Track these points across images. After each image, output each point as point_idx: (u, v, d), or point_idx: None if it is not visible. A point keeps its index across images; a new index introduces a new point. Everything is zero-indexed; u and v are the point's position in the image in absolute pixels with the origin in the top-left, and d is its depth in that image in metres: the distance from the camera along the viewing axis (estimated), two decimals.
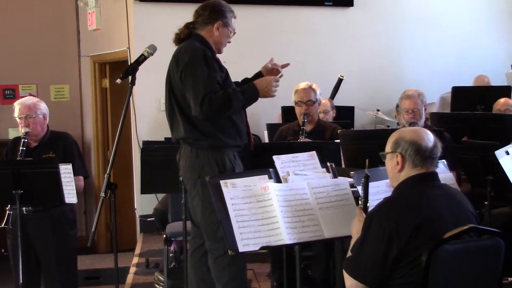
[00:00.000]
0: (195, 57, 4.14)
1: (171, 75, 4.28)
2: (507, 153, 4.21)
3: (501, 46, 9.30)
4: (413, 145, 3.10)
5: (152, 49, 4.24)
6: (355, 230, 3.15)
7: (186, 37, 4.32)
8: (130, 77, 4.16)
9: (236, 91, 4.20)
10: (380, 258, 2.89)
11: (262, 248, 3.41)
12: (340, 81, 8.12)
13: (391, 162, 3.16)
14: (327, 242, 4.70)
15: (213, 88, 4.09)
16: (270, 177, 3.66)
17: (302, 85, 5.84)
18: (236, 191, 3.50)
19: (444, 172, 3.82)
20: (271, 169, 3.74)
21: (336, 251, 4.46)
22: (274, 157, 3.84)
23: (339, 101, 7.93)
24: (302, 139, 5.55)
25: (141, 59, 4.20)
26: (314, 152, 3.95)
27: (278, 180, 3.71)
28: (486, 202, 4.90)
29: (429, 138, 3.14)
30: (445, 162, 3.93)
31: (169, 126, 4.42)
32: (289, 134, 5.86)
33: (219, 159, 4.19)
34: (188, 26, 4.36)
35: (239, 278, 4.28)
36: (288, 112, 6.77)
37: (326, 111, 6.59)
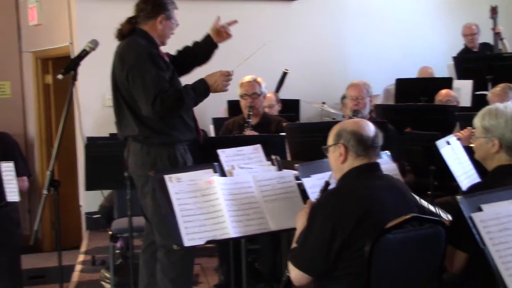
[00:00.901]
0: (141, 57, 4.11)
1: (116, 72, 4.24)
2: (448, 143, 4.27)
3: (443, 38, 9.44)
4: (355, 135, 3.13)
5: (94, 44, 4.18)
6: (300, 222, 3.17)
7: (129, 32, 4.27)
8: (72, 73, 4.09)
9: (187, 88, 4.19)
10: (324, 249, 2.92)
11: (208, 242, 3.40)
12: (284, 74, 8.15)
13: (334, 154, 3.19)
14: (273, 235, 4.73)
15: (163, 87, 4.07)
16: (215, 171, 3.65)
17: (247, 78, 5.85)
18: (181, 186, 3.49)
19: (387, 163, 3.87)
20: (216, 163, 3.73)
21: (283, 244, 4.48)
22: (219, 151, 3.84)
23: (285, 94, 7.94)
24: (247, 132, 5.56)
25: (83, 54, 4.13)
26: (259, 146, 3.96)
27: (223, 174, 3.71)
28: (429, 192, 4.98)
29: (370, 128, 3.18)
30: (389, 153, 3.98)
31: (115, 123, 4.38)
32: (235, 128, 5.86)
33: (171, 154, 4.18)
34: (130, 21, 4.30)
35: (187, 274, 4.29)
36: (233, 106, 6.76)
37: (271, 105, 6.61)
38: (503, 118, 3.23)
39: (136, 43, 4.19)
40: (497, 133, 3.23)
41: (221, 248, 5.28)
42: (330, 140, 3.21)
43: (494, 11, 8.58)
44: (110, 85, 4.31)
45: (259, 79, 5.87)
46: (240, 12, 8.39)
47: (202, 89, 4.24)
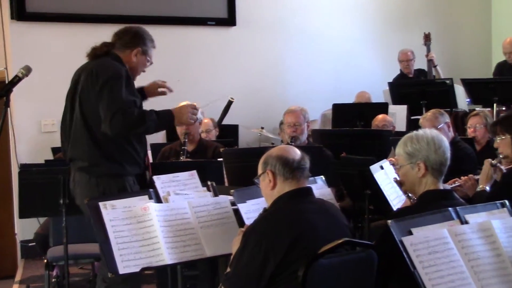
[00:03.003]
0: (117, 74, 4.04)
1: (83, 89, 4.11)
2: (382, 167, 4.35)
3: (378, 64, 9.62)
4: (280, 159, 3.18)
5: (26, 71, 4.12)
6: (235, 247, 3.18)
7: (103, 54, 4.22)
8: (4, 99, 4.03)
9: (152, 112, 4.10)
10: (257, 274, 2.94)
11: (144, 269, 3.39)
12: (230, 103, 8.10)
13: (264, 182, 3.24)
14: (211, 261, 4.73)
15: (129, 105, 3.99)
16: (150, 198, 3.65)
17: (182, 104, 5.83)
18: (116, 213, 3.47)
19: (322, 188, 3.94)
20: (151, 190, 3.72)
21: (220, 269, 4.48)
22: (154, 177, 3.83)
23: (223, 119, 7.98)
24: (183, 159, 5.55)
25: (15, 80, 4.08)
26: (194, 172, 3.97)
27: (158, 200, 3.70)
28: (365, 216, 5.05)
29: (295, 151, 3.24)
30: (323, 178, 4.03)
31: (66, 143, 4.24)
32: (171, 155, 5.85)
33: (120, 186, 4.07)
34: (106, 45, 4.26)
35: None
36: (172, 132, 6.75)
37: (208, 130, 6.63)
38: (424, 141, 3.31)
39: (112, 63, 4.15)
40: (421, 156, 3.30)
41: (159, 275, 5.24)
42: (259, 170, 3.27)
43: (427, 37, 8.81)
44: (66, 103, 4.21)
45: (197, 104, 5.87)
46: (180, 37, 8.44)
47: (166, 118, 4.17)
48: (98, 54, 4.23)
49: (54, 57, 7.59)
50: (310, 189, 3.21)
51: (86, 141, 4.10)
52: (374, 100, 8.44)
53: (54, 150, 6.90)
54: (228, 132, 7.52)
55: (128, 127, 3.98)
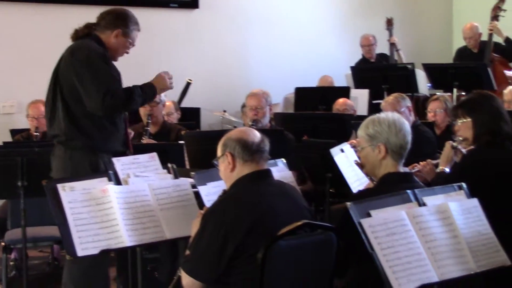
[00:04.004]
0: (94, 54, 4.15)
1: (61, 66, 4.23)
2: (342, 151, 4.37)
3: (342, 48, 9.64)
4: (240, 141, 3.18)
5: None
6: (194, 229, 3.17)
7: (84, 35, 4.30)
8: None
9: (136, 86, 4.24)
10: (216, 256, 2.94)
11: (102, 251, 3.36)
12: (188, 85, 8.10)
13: (223, 164, 3.23)
14: (172, 244, 4.72)
15: (114, 83, 4.14)
16: (110, 180, 3.61)
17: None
18: (74, 195, 3.43)
19: (283, 171, 3.94)
20: (110, 171, 3.69)
21: (181, 252, 4.47)
22: (114, 159, 3.79)
23: (185, 102, 7.94)
24: (145, 139, 5.53)
25: None
26: (155, 154, 3.93)
27: (118, 182, 3.67)
28: (330, 199, 5.08)
29: (255, 134, 3.24)
30: (285, 161, 4.03)
31: (46, 121, 4.39)
32: (134, 137, 5.81)
33: (93, 161, 4.16)
34: (88, 26, 4.33)
35: (96, 284, 4.22)
36: (134, 114, 6.69)
37: (169, 113, 6.59)
38: (386, 123, 3.34)
39: (90, 43, 4.23)
40: (382, 138, 3.33)
41: (119, 258, 5.21)
42: (218, 152, 3.26)
43: (389, 22, 8.87)
44: (50, 82, 4.30)
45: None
46: (142, 19, 8.32)
47: (150, 89, 4.32)
48: (80, 35, 4.33)
49: (15, 39, 7.49)
50: (269, 171, 3.21)
51: (63, 117, 4.20)
52: (337, 84, 8.48)
53: (13, 132, 6.81)
54: (190, 115, 7.49)
55: (118, 106, 4.15)
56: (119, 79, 4.26)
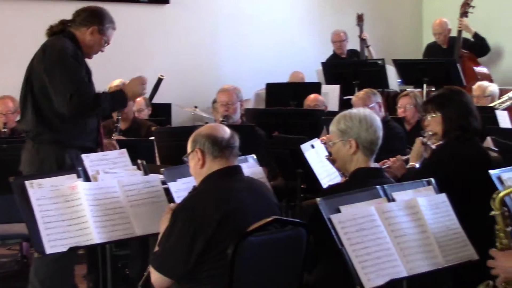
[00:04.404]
0: (66, 53, 4.14)
1: (33, 63, 4.24)
2: (312, 146, 4.38)
3: (313, 44, 9.65)
4: (209, 137, 3.17)
5: None
6: (163, 226, 3.16)
7: (59, 32, 4.29)
8: None
9: (106, 93, 4.29)
10: (185, 252, 2.93)
11: (71, 249, 3.33)
12: (160, 80, 8.03)
13: (193, 160, 3.21)
14: (143, 240, 4.69)
15: (83, 86, 4.14)
16: (79, 176, 3.58)
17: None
18: (43, 192, 3.39)
19: (253, 167, 3.93)
20: (80, 168, 3.66)
21: (151, 248, 4.44)
22: (83, 156, 3.76)
23: (156, 98, 7.90)
24: (115, 136, 5.49)
25: None
26: (124, 150, 3.91)
27: (87, 179, 3.64)
28: (301, 195, 5.09)
29: (225, 130, 3.24)
30: (255, 157, 4.03)
31: (20, 115, 4.44)
32: (105, 133, 5.76)
33: (59, 156, 4.16)
34: (63, 22, 4.33)
35: (61, 278, 4.19)
36: None
37: (140, 109, 6.57)
38: (357, 119, 3.36)
39: (62, 41, 4.22)
40: (353, 133, 3.35)
41: (90, 255, 5.18)
42: (188, 148, 3.25)
43: (360, 18, 8.90)
44: (24, 78, 4.29)
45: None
46: (112, 15, 8.25)
47: (120, 97, 4.33)
48: (55, 31, 4.32)
49: None
50: (239, 167, 3.20)
51: (32, 112, 4.21)
52: (308, 80, 8.49)
53: None
54: (161, 111, 7.46)
55: (84, 110, 4.15)
56: (89, 80, 4.26)
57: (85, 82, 4.20)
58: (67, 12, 4.45)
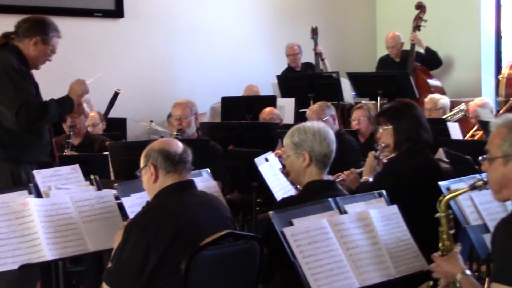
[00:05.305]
0: (7, 68, 4.10)
1: None
2: (267, 160, 4.39)
3: (268, 57, 9.69)
4: (162, 152, 3.17)
5: None
6: (117, 242, 3.14)
7: (2, 45, 4.24)
8: None
9: (52, 101, 4.23)
10: (138, 267, 2.92)
11: (22, 266, 3.29)
12: (116, 95, 7.99)
13: (146, 175, 3.21)
14: (97, 256, 4.64)
15: (29, 98, 4.10)
16: (30, 193, 3.55)
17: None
18: None
19: (207, 181, 3.93)
20: (31, 184, 3.62)
21: (106, 264, 4.40)
22: (34, 172, 3.73)
23: (111, 113, 7.85)
24: (67, 152, 5.45)
25: None
26: (76, 165, 3.89)
27: (39, 195, 3.60)
28: (257, 208, 5.10)
29: (177, 144, 3.24)
30: (209, 171, 4.03)
31: None
32: (57, 149, 5.71)
33: (14, 171, 4.14)
34: (6, 35, 4.28)
35: None
36: (57, 126, 6.59)
37: (95, 124, 6.52)
38: (310, 132, 3.40)
39: (6, 55, 4.18)
40: (306, 146, 3.38)
41: (43, 272, 5.10)
42: (141, 163, 3.25)
43: (314, 31, 8.97)
44: None
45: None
46: (66, 29, 8.18)
47: (67, 102, 4.32)
48: None
49: None
50: (192, 182, 3.20)
51: None
52: (263, 93, 8.51)
53: None
54: (116, 126, 7.41)
55: (34, 120, 4.13)
56: (35, 92, 4.22)
57: (33, 95, 4.17)
58: (10, 24, 4.38)
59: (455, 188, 3.06)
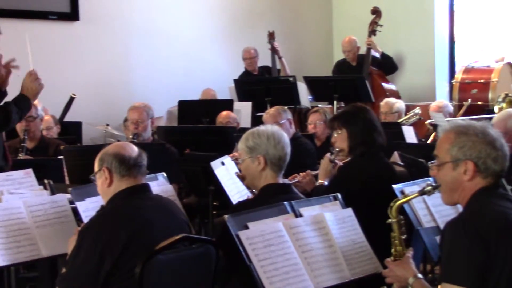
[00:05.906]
0: None
1: None
2: (223, 163, 4.39)
3: (225, 61, 9.69)
4: (117, 156, 3.16)
5: None
6: (71, 247, 3.12)
7: None
8: None
9: (10, 103, 4.18)
10: (92, 273, 2.90)
11: None
12: (72, 99, 7.90)
13: (100, 179, 3.20)
14: (51, 261, 4.59)
15: None
16: None
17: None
18: None
19: (163, 185, 3.91)
20: None
21: (60, 269, 4.36)
22: None
23: (66, 116, 7.75)
24: (22, 156, 5.37)
25: None
26: (30, 170, 3.84)
27: None
28: (214, 212, 5.09)
29: (132, 148, 3.23)
30: (165, 175, 4.01)
31: None
32: (10, 152, 5.61)
33: None
34: None
35: None
36: (10, 130, 6.49)
37: (49, 127, 6.44)
38: (265, 135, 3.40)
39: None
40: (261, 149, 3.39)
41: None
42: (95, 167, 3.23)
43: (271, 36, 8.99)
44: None
45: (35, 102, 5.69)
46: (20, 31, 8.08)
47: (23, 101, 4.29)
48: None
49: None
50: (147, 186, 3.19)
51: None
52: (220, 97, 8.51)
53: None
54: (71, 129, 7.31)
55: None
56: None
57: None
58: None
59: (409, 191, 3.10)
